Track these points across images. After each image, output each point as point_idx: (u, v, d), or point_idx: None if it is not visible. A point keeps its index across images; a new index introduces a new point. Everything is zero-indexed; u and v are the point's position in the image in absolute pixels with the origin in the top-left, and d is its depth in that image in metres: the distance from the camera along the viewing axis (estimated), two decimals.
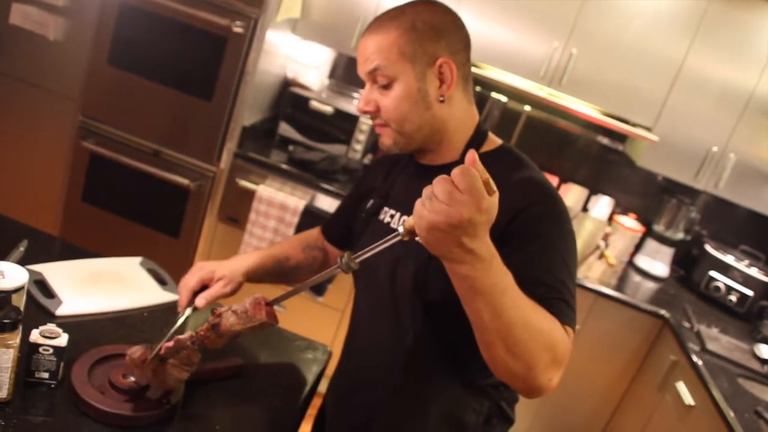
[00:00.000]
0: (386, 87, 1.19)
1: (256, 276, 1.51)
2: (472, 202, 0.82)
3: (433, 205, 0.83)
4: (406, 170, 1.36)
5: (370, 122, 3.15)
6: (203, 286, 1.46)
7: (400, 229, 0.93)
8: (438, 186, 0.83)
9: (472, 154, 0.85)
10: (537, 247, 1.10)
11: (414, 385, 1.28)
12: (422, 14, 1.18)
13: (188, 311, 1.43)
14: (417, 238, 0.92)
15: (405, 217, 1.28)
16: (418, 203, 0.86)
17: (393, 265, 1.25)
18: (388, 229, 1.30)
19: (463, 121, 1.25)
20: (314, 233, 1.65)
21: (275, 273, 1.55)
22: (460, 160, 1.19)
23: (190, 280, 1.46)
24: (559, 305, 1.04)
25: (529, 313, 0.95)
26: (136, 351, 1.20)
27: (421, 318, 1.23)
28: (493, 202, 0.84)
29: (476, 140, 1.26)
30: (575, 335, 1.06)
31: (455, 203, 0.82)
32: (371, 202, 1.39)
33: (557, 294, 1.06)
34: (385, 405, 1.31)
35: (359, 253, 1.01)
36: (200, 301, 1.43)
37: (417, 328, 1.24)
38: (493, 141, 1.28)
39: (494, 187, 0.85)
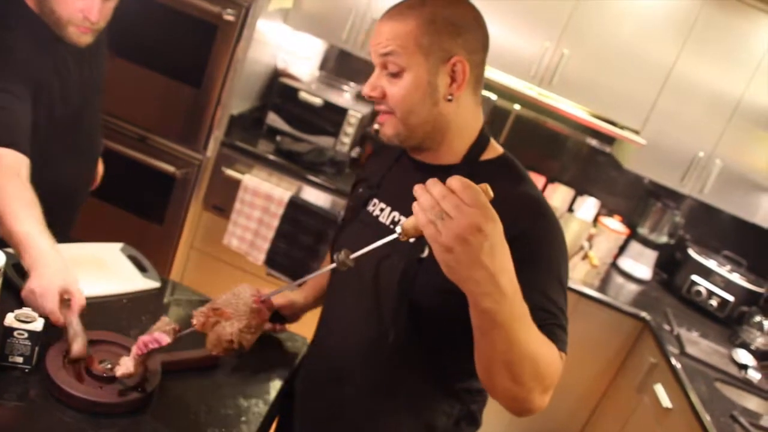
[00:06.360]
0: (396, 75, 1.16)
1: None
2: (482, 209, 0.84)
3: (445, 223, 0.84)
4: (399, 164, 1.34)
5: (358, 115, 3.14)
6: None
7: (398, 230, 0.93)
8: (446, 203, 0.84)
9: (485, 186, 0.88)
10: (537, 272, 1.09)
11: (387, 383, 1.27)
12: (444, 8, 1.15)
13: None
14: (411, 239, 0.93)
15: (395, 213, 1.26)
16: (427, 225, 0.86)
17: (379, 262, 1.23)
18: (376, 222, 1.28)
19: (468, 124, 1.23)
20: None
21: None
22: (461, 165, 1.20)
23: None
24: (557, 332, 1.06)
25: (538, 345, 0.98)
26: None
27: (403, 318, 1.21)
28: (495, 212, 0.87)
29: (478, 146, 1.23)
30: None
31: (464, 215, 0.83)
32: (360, 190, 1.37)
33: (556, 320, 1.07)
34: (354, 401, 1.29)
35: (357, 252, 1.02)
36: None
37: (399, 328, 1.22)
38: (495, 149, 1.26)
39: (491, 193, 0.88)
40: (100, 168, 2.21)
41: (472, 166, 1.20)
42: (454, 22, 1.15)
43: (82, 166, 1.89)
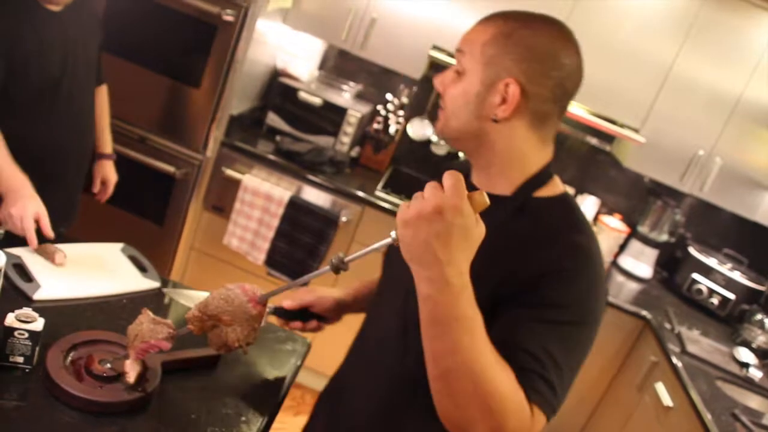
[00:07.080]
0: (459, 75, 1.15)
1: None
2: (451, 197, 0.84)
3: (415, 201, 0.86)
4: None
5: (358, 115, 3.15)
6: None
7: (393, 234, 0.92)
8: (426, 187, 0.86)
9: (481, 192, 0.87)
10: (543, 314, 0.99)
11: (398, 406, 1.21)
12: (526, 30, 1.12)
13: None
14: None
15: None
16: (402, 205, 0.88)
17: (408, 287, 1.20)
18: None
19: (523, 156, 1.16)
20: None
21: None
22: (513, 197, 1.14)
23: None
24: (535, 381, 0.93)
25: (486, 368, 0.88)
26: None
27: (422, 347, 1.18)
28: (474, 219, 0.85)
29: (536, 181, 1.16)
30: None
31: (435, 197, 0.84)
32: None
33: (539, 368, 0.94)
34: (363, 418, 1.24)
35: (351, 255, 1.00)
36: None
37: (418, 354, 1.19)
38: (556, 186, 1.20)
39: (487, 200, 0.87)
40: (113, 176, 2.30)
41: (523, 200, 1.14)
42: (529, 47, 1.11)
43: (65, 132, 2.01)
